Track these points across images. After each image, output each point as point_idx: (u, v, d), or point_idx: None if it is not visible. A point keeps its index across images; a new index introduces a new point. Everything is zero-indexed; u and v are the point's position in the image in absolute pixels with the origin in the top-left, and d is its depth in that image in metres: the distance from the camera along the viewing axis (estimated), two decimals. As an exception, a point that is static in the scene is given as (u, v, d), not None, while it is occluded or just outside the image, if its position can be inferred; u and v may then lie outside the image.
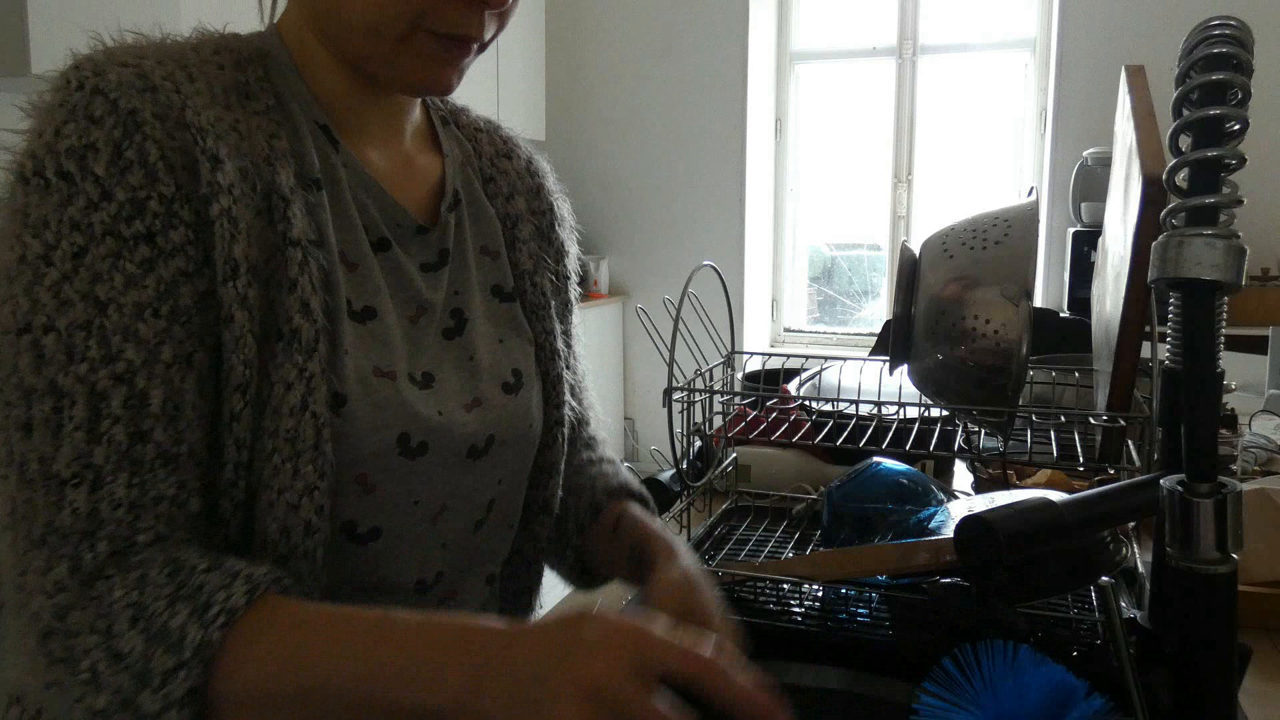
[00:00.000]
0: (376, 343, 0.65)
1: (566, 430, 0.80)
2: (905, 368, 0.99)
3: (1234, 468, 1.30)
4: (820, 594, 0.89)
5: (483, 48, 0.66)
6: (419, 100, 0.74)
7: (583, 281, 0.86)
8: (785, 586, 0.88)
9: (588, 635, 0.49)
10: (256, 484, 0.59)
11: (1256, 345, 2.02)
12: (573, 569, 0.83)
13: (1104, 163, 3.35)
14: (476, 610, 0.75)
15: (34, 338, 0.54)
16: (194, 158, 0.57)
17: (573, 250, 0.86)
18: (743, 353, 1.22)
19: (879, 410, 1.02)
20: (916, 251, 0.98)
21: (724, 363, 1.18)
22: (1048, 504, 0.64)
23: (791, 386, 1.25)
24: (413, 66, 0.64)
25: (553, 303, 0.81)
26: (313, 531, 0.60)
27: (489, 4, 0.62)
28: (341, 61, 0.66)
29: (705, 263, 1.11)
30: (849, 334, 4.31)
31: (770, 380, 1.32)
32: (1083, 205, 3.43)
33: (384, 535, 0.65)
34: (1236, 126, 0.54)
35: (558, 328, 0.81)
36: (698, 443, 1.11)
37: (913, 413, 1.06)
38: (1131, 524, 0.93)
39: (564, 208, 0.86)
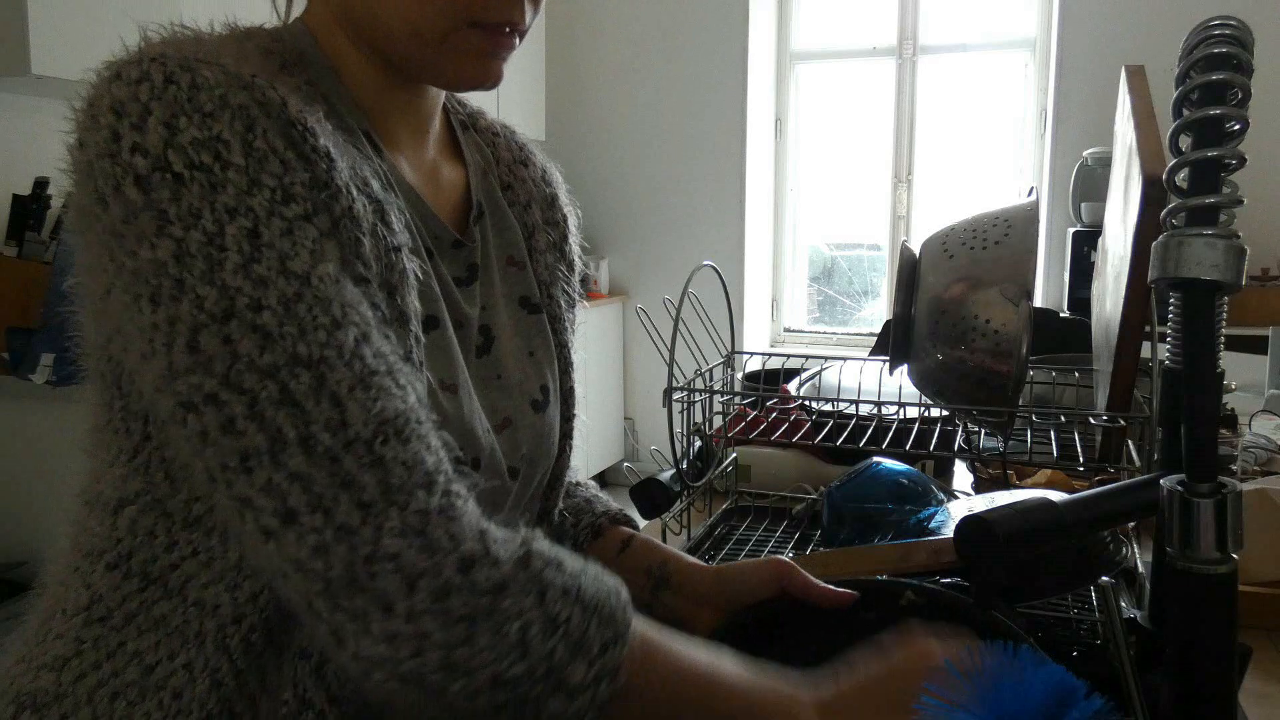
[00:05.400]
0: (440, 354, 0.64)
1: (574, 442, 0.80)
2: (905, 368, 0.99)
3: (1234, 468, 1.30)
4: (820, 594, 0.88)
5: (523, 36, 0.64)
6: (441, 106, 0.72)
7: (583, 281, 0.86)
8: (785, 586, 0.88)
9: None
10: None
11: (1256, 345, 2.02)
12: None
13: (1104, 163, 3.35)
14: None
15: (246, 320, 0.50)
16: (306, 155, 0.54)
17: (579, 266, 0.84)
18: (743, 353, 1.22)
19: (879, 410, 1.02)
20: (916, 251, 0.98)
21: (724, 363, 1.18)
22: (1048, 504, 0.64)
23: (791, 386, 1.25)
24: (460, 63, 0.62)
25: (568, 316, 0.81)
26: None
27: None
28: (377, 64, 0.64)
29: (705, 263, 1.11)
30: (849, 334, 4.31)
31: (770, 380, 1.32)
32: (1083, 205, 3.43)
33: None
34: (1236, 126, 0.54)
35: (571, 340, 0.80)
36: (698, 443, 1.11)
37: (913, 413, 1.06)
38: (1131, 524, 0.93)
39: (574, 222, 0.84)
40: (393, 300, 0.58)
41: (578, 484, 0.88)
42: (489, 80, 0.64)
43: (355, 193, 0.56)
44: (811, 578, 0.71)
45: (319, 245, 0.53)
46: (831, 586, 0.70)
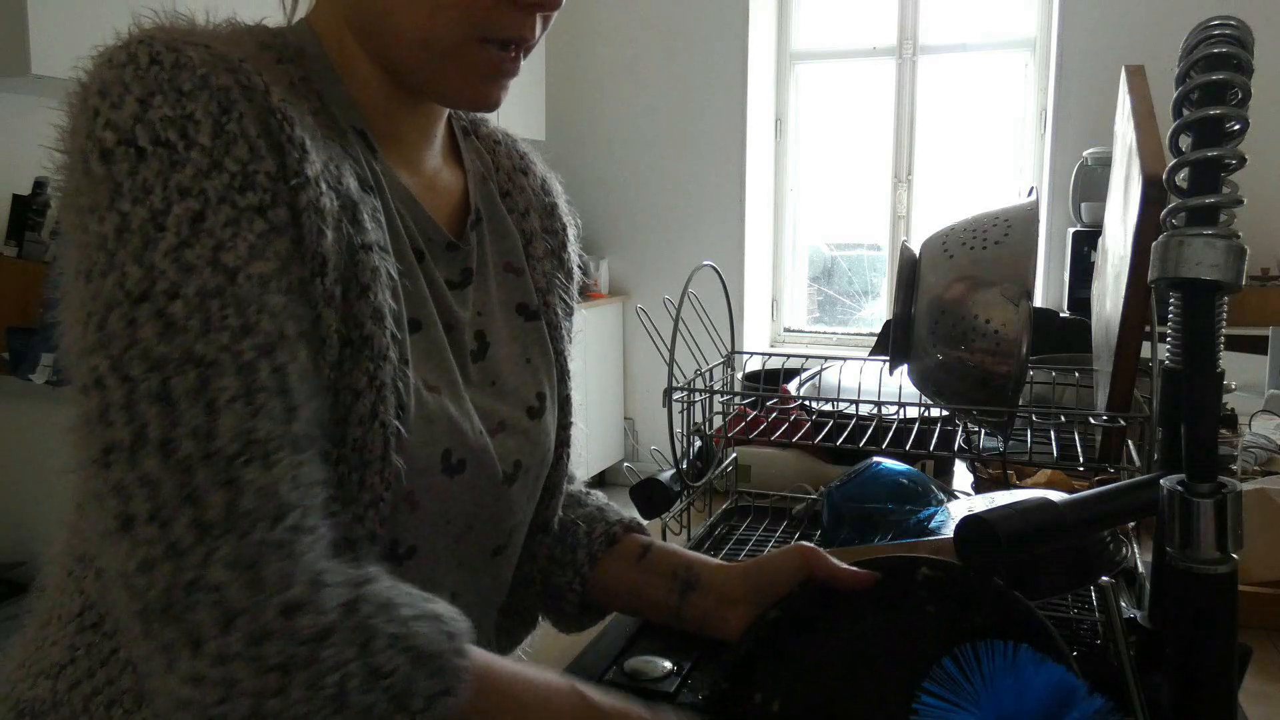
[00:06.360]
0: (424, 355, 0.64)
1: (571, 450, 0.80)
2: (905, 368, 0.99)
3: (1234, 468, 1.30)
4: (820, 594, 0.88)
5: (527, 53, 0.64)
6: (446, 111, 0.72)
7: (581, 291, 0.85)
8: (785, 586, 0.87)
9: None
10: None
11: (1256, 345, 2.02)
12: (575, 600, 0.80)
13: (1104, 163, 3.35)
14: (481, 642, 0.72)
15: (157, 306, 0.49)
16: (280, 143, 0.54)
17: (578, 276, 0.84)
18: (743, 353, 1.22)
19: (879, 410, 1.02)
20: (916, 251, 0.98)
21: (724, 363, 1.18)
22: (1048, 504, 0.64)
23: (791, 386, 1.25)
24: (461, 82, 0.62)
25: (565, 324, 0.80)
26: (375, 543, 0.58)
27: (542, 6, 0.61)
28: (383, 68, 0.64)
29: (705, 263, 1.11)
30: (849, 334, 4.31)
31: (770, 380, 1.32)
32: (1083, 205, 3.43)
33: (419, 554, 0.64)
34: (1236, 126, 0.54)
35: (569, 349, 0.80)
36: (698, 443, 1.11)
37: (913, 413, 1.06)
38: (1131, 524, 0.93)
39: (573, 232, 0.84)
40: (363, 298, 0.57)
41: (587, 492, 0.87)
42: (489, 103, 0.64)
43: (325, 187, 0.56)
44: (835, 561, 0.70)
45: (263, 240, 0.52)
46: (855, 568, 0.69)
